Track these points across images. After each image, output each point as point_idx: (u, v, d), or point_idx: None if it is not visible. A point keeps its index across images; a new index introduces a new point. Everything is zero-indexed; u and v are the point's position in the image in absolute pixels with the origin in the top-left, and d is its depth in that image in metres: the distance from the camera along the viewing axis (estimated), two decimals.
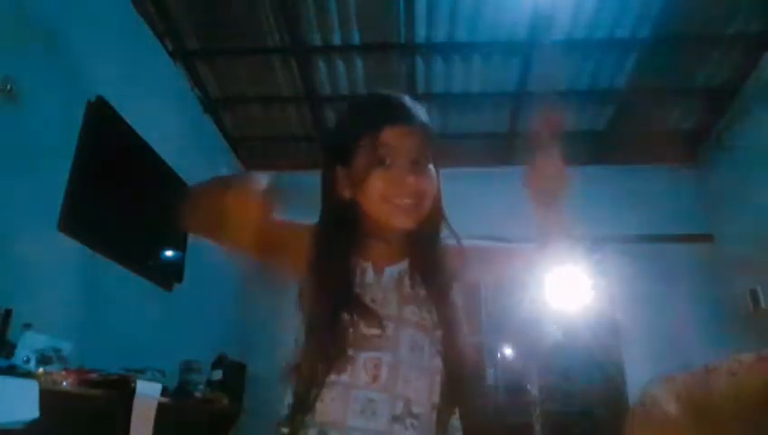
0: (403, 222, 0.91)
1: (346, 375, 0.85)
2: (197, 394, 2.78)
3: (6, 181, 2.02)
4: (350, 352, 0.86)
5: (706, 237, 4.08)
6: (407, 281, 0.94)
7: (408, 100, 0.96)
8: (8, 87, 2.00)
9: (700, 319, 3.76)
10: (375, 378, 0.85)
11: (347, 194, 0.93)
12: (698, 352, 3.56)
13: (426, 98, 3.83)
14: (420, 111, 0.95)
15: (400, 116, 0.93)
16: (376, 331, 0.87)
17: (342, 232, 0.94)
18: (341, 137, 0.96)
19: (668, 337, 3.71)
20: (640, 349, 3.79)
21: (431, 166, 0.93)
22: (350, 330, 0.87)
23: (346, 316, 0.87)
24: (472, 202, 3.50)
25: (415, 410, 0.85)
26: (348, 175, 0.92)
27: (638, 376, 3.64)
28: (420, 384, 0.87)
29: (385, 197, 0.89)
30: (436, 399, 0.88)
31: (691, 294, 3.87)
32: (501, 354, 4.09)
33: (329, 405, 0.84)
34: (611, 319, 3.94)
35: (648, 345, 3.76)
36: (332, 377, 0.85)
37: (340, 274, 0.91)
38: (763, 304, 3.47)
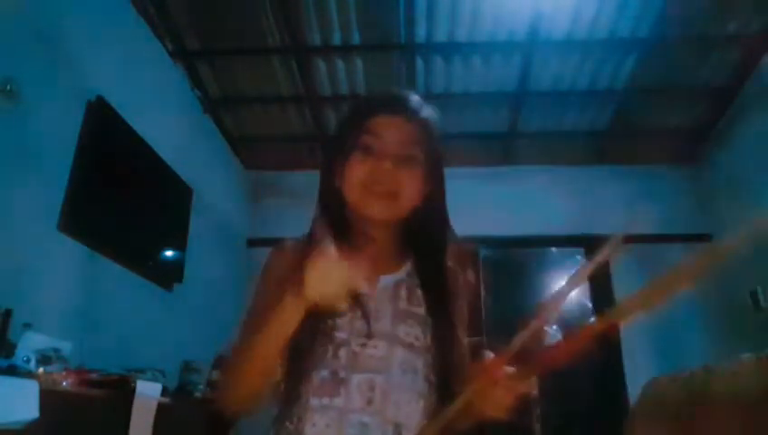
0: (376, 211, 0.87)
1: (340, 399, 0.79)
2: (197, 394, 2.77)
3: (6, 181, 2.02)
4: (343, 373, 0.81)
5: (706, 237, 4.08)
6: (403, 293, 0.88)
7: (411, 97, 0.93)
8: (8, 87, 2.00)
9: (700, 319, 3.77)
10: (369, 401, 0.79)
11: (337, 183, 0.90)
12: (698, 352, 3.57)
13: (426, 98, 3.81)
14: (423, 110, 0.92)
15: (395, 107, 0.91)
16: (368, 350, 0.82)
17: (331, 229, 0.89)
18: (340, 128, 0.95)
19: (668, 337, 3.72)
20: (640, 349, 3.80)
21: (423, 167, 0.89)
22: (342, 348, 0.82)
23: (339, 333, 0.82)
24: (472, 202, 3.51)
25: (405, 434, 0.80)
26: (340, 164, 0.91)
27: (638, 376, 3.64)
28: (411, 409, 0.81)
29: (362, 182, 0.86)
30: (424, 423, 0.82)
31: (691, 294, 3.86)
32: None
33: (322, 431, 0.78)
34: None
35: (648, 345, 3.77)
36: (325, 401, 0.79)
37: None
38: (763, 304, 3.47)
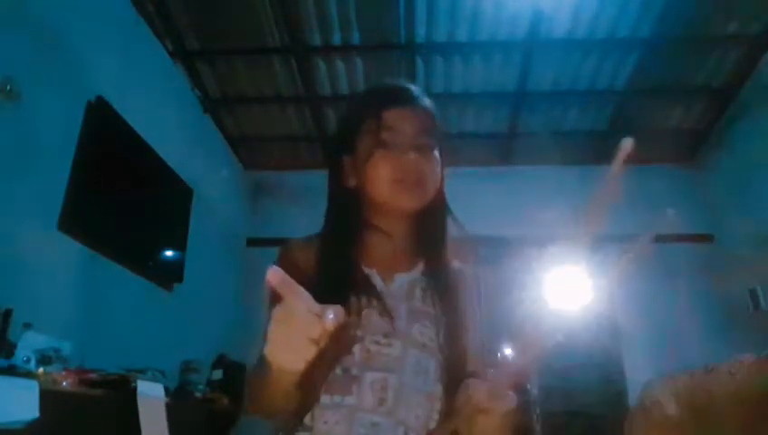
0: (407, 201, 0.87)
1: (352, 397, 0.79)
2: (197, 394, 2.77)
3: (6, 181, 2.02)
4: (355, 371, 0.80)
5: (706, 237, 4.08)
6: (418, 293, 0.88)
7: (413, 86, 0.95)
8: (8, 87, 2.00)
9: (700, 319, 3.76)
10: (381, 401, 0.79)
11: (352, 182, 0.90)
12: (698, 352, 3.56)
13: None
14: (425, 99, 0.93)
15: (404, 98, 0.91)
16: (383, 348, 0.82)
17: (347, 228, 0.90)
18: (346, 124, 0.95)
19: (668, 337, 3.71)
20: (640, 349, 3.79)
21: (435, 152, 0.90)
22: (356, 346, 0.81)
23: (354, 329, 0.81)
24: (472, 202, 3.50)
25: None
26: (352, 163, 0.90)
27: (638, 376, 3.63)
28: (421, 411, 0.81)
29: (388, 177, 0.86)
30: (432, 426, 0.82)
31: (691, 294, 3.87)
32: (501, 354, 4.09)
33: (333, 428, 0.78)
34: (611, 319, 3.93)
35: (648, 345, 3.76)
36: (337, 398, 0.79)
37: (342, 276, 0.84)
38: (763, 304, 3.47)
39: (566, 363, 3.84)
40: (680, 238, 4.08)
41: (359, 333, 0.82)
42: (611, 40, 3.32)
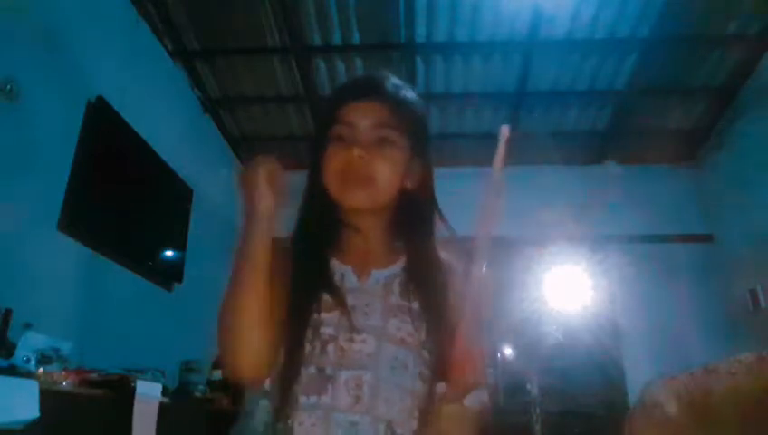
0: (352, 199, 0.86)
1: (327, 397, 0.78)
2: (197, 394, 2.77)
3: (6, 181, 2.02)
4: (329, 370, 0.79)
5: (706, 237, 4.08)
6: (396, 288, 0.86)
7: (381, 77, 0.91)
8: (8, 87, 2.00)
9: (700, 319, 3.76)
10: (357, 399, 0.78)
11: (321, 180, 0.89)
12: (698, 352, 3.56)
13: (426, 98, 3.83)
14: (399, 91, 0.90)
15: (361, 92, 0.89)
16: (356, 345, 0.81)
17: (317, 225, 0.89)
18: (317, 125, 0.96)
19: (668, 337, 3.72)
20: (640, 349, 3.80)
21: (404, 149, 0.87)
22: (330, 344, 0.80)
23: (326, 328, 0.81)
24: (472, 202, 3.50)
25: (399, 431, 0.78)
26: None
27: (638, 376, 3.64)
28: (403, 406, 0.80)
29: (337, 173, 0.85)
30: (414, 422, 0.80)
31: (691, 294, 3.86)
32: (501, 354, 4.09)
33: (310, 430, 0.77)
34: (611, 319, 3.93)
35: (648, 345, 3.76)
36: (312, 399, 0.78)
37: (313, 274, 0.84)
38: (763, 304, 3.47)
39: (566, 363, 3.84)
40: (680, 238, 4.08)
41: (331, 331, 0.81)
42: (611, 40, 3.32)
